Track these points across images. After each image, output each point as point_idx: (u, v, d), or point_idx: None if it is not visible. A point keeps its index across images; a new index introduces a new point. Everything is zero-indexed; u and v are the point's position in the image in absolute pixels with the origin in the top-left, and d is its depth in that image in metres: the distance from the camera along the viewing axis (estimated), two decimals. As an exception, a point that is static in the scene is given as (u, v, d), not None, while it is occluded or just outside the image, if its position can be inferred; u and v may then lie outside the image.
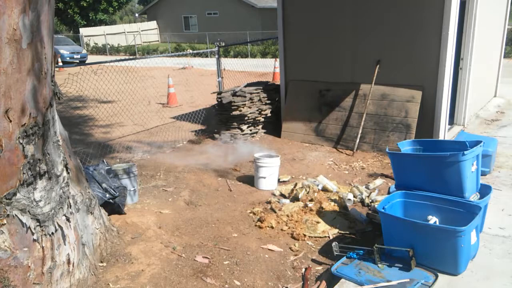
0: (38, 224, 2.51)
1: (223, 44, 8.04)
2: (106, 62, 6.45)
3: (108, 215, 3.81)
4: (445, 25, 5.52)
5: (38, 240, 2.54)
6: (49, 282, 2.65)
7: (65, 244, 2.73)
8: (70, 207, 2.81)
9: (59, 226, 2.65)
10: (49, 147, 2.50)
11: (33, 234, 2.50)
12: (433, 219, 3.27)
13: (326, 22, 6.62)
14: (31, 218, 2.46)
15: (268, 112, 7.42)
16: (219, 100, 7.16)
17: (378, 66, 6.19)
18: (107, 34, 32.14)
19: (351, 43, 6.43)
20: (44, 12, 2.23)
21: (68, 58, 23.03)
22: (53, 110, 2.55)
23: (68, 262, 2.77)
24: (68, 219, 2.75)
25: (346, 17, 6.39)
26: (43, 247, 2.57)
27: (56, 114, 2.63)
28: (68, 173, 2.81)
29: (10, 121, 2.16)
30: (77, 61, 23.14)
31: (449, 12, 5.43)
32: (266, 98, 7.42)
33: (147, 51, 28.76)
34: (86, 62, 21.46)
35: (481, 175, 4.68)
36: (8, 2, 1.97)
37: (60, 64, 20.20)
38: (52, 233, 2.61)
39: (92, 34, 33.00)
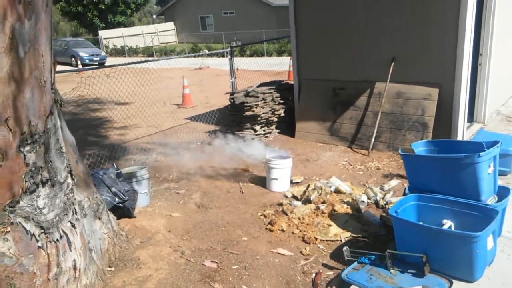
0: (42, 231, 2.51)
1: (240, 44, 8.03)
2: (118, 65, 6.50)
3: (118, 219, 3.81)
4: (462, 19, 5.33)
5: (43, 247, 2.54)
6: (55, 288, 2.65)
7: (70, 250, 2.73)
8: (76, 213, 2.81)
9: (64, 232, 2.65)
10: (52, 155, 2.51)
11: (37, 241, 2.50)
12: (448, 223, 3.14)
13: (338, 19, 6.49)
14: (35, 225, 2.46)
15: (281, 112, 7.35)
16: (232, 100, 7.13)
17: (393, 63, 6.04)
18: (125, 36, 32.57)
19: (365, 41, 6.29)
20: (41, 20, 2.22)
21: (87, 61, 23.44)
22: (54, 117, 2.55)
23: (75, 268, 2.77)
24: (73, 225, 2.75)
25: (359, 14, 6.25)
26: (48, 254, 2.58)
27: (58, 121, 2.63)
28: (73, 179, 2.81)
29: (10, 129, 2.16)
30: (97, 63, 23.54)
31: (466, 5, 5.24)
32: (279, 98, 7.34)
33: (165, 52, 29.01)
34: (105, 64, 21.79)
35: (501, 175, 4.54)
36: (3, 11, 1.97)
37: (80, 67, 20.57)
38: (57, 239, 2.61)
39: (111, 36, 33.51)
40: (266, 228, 4.03)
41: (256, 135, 6.95)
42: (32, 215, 2.45)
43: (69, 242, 2.71)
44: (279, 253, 3.60)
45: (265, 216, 4.29)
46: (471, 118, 6.70)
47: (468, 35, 5.39)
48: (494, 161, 3.20)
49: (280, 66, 15.33)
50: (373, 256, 3.20)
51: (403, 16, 5.85)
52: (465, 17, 5.29)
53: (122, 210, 3.87)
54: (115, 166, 4.14)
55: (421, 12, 5.68)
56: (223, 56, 21.43)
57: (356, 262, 3.22)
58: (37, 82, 2.27)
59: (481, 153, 3.00)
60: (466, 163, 3.07)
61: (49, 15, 2.38)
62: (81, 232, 2.87)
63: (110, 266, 3.26)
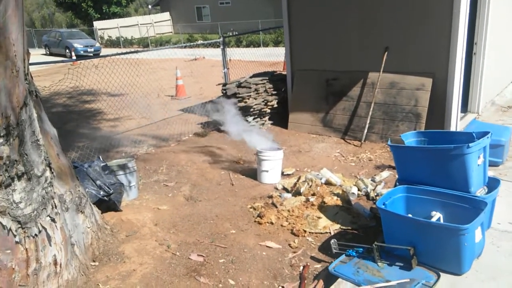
0: (19, 226, 2.45)
1: (236, 33, 7.92)
2: (107, 56, 6.40)
3: (104, 213, 3.76)
4: (456, 8, 5.24)
5: (20, 242, 2.48)
6: (35, 283, 2.60)
7: (50, 245, 2.67)
8: (56, 207, 2.74)
9: (43, 227, 2.59)
10: (27, 147, 2.43)
11: (15, 236, 2.44)
12: (436, 215, 3.10)
13: (332, 9, 6.38)
14: (12, 220, 2.40)
15: (274, 103, 7.27)
16: (224, 92, 7.04)
17: (386, 53, 5.95)
18: (120, 26, 32.27)
19: (358, 30, 6.19)
20: (11, 7, 2.13)
21: (82, 52, 23.25)
22: (29, 109, 2.47)
23: (55, 263, 2.71)
24: (53, 220, 2.69)
25: (353, 3, 6.14)
26: (26, 249, 2.52)
27: (34, 113, 2.55)
28: (52, 172, 2.74)
29: (-20, 122, 2.09)
30: (91, 54, 23.33)
31: (460, -6, 5.15)
32: (272, 89, 7.26)
33: (160, 42, 28.75)
34: (100, 55, 21.55)
35: (493, 166, 4.49)
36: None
37: (74, 58, 20.38)
38: (36, 234, 2.55)
39: (106, 27, 33.19)
40: (255, 221, 3.98)
41: (249, 126, 6.87)
42: (8, 209, 2.38)
43: (48, 237, 2.65)
44: (267, 246, 3.55)
45: (254, 209, 4.24)
46: (465, 108, 6.64)
47: (462, 24, 5.30)
48: (484, 152, 3.14)
49: (276, 56, 15.19)
50: (361, 249, 3.15)
51: (396, 5, 5.75)
52: (459, 6, 5.19)
53: (108, 204, 3.81)
54: (101, 159, 4.06)
55: (415, 1, 5.58)
56: (218, 46, 21.26)
57: (344, 255, 3.18)
58: (8, 72, 2.18)
59: (470, 144, 2.94)
60: (455, 154, 3.01)
61: (20, 2, 2.29)
62: (62, 227, 2.81)
63: (94, 261, 3.20)
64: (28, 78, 2.52)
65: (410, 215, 3.13)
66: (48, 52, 26.57)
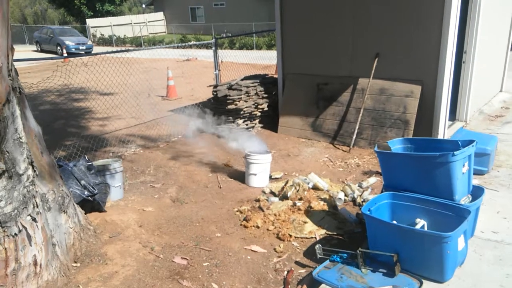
0: (-1, 225, 2.40)
1: (229, 35, 7.92)
2: (98, 54, 6.36)
3: (88, 213, 3.71)
4: (446, 16, 5.29)
5: (0, 242, 2.44)
6: (13, 284, 2.55)
7: (31, 245, 2.62)
8: (37, 207, 2.70)
9: (23, 226, 2.55)
10: (9, 145, 2.39)
11: (-7, 235, 2.39)
12: (421, 223, 3.11)
13: (324, 14, 6.41)
14: (-9, 219, 2.36)
15: (265, 106, 7.27)
16: (215, 93, 7.02)
17: (376, 59, 5.99)
18: (113, 25, 32.06)
19: (349, 36, 6.22)
20: (-7, 2, 2.10)
21: (73, 50, 23.07)
22: (12, 105, 2.43)
23: (35, 263, 2.67)
24: (34, 219, 2.65)
25: (345, 9, 6.17)
26: (5, 249, 2.47)
27: (17, 110, 2.51)
28: (34, 171, 2.70)
29: (-40, 118, 2.05)
30: (83, 52, 23.13)
31: (451, 2, 5.20)
32: (263, 92, 7.26)
33: (153, 42, 28.63)
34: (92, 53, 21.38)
35: (478, 174, 4.53)
36: None
37: (65, 55, 20.25)
38: (16, 234, 2.51)
39: (98, 25, 32.95)
40: (241, 225, 3.97)
41: (239, 129, 6.85)
42: (-13, 208, 2.34)
43: (29, 237, 2.60)
44: (252, 250, 3.54)
45: (241, 212, 4.22)
46: (453, 116, 6.69)
47: (452, 32, 5.35)
48: (469, 160, 3.16)
49: (268, 59, 15.21)
50: (345, 255, 3.15)
51: (388, 12, 5.79)
52: (449, 14, 5.25)
53: (92, 204, 3.76)
54: (86, 158, 4.02)
55: (406, 8, 5.63)
56: (211, 48, 21.23)
57: (328, 260, 3.17)
58: (-10, 68, 2.15)
59: (455, 152, 2.96)
60: (440, 162, 3.03)
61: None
62: (43, 226, 2.76)
63: (75, 262, 3.16)
64: (12, 74, 2.48)
65: (394, 222, 3.14)
66: (39, 49, 26.31)
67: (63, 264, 2.98)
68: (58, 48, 23.63)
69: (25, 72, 14.47)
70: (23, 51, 24.22)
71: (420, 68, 5.67)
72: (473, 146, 3.15)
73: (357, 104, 6.23)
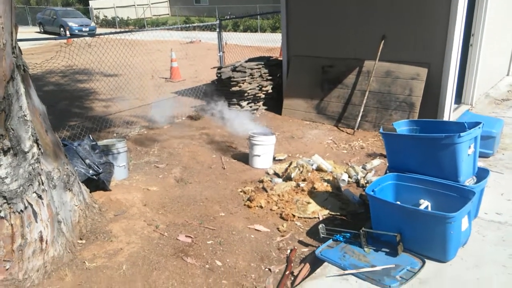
0: (5, 201, 2.43)
1: (233, 17, 7.82)
2: (102, 34, 6.31)
3: (93, 192, 3.74)
4: (454, -2, 5.20)
5: (6, 218, 2.47)
6: (20, 259, 2.59)
7: (36, 222, 2.65)
8: (43, 184, 2.71)
9: (29, 203, 2.57)
10: (14, 122, 2.39)
11: (0, 211, 2.42)
12: (425, 204, 3.11)
13: (330, -6, 6.32)
14: (-3, 195, 2.37)
15: (269, 88, 7.23)
16: (219, 75, 6.98)
17: (383, 41, 5.91)
18: (116, 7, 31.75)
19: (355, 17, 6.13)
20: (-3, -23, 2.08)
21: (76, 31, 22.93)
22: (16, 83, 2.42)
23: (41, 239, 2.70)
24: (39, 196, 2.67)
25: (351, -11, 6.08)
26: (12, 225, 2.50)
27: (21, 87, 2.50)
28: (39, 149, 2.71)
29: (-35, 94, 2.05)
30: (86, 34, 22.97)
31: (459, -17, 5.10)
32: (267, 74, 7.21)
33: (156, 24, 28.38)
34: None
35: (483, 157, 4.51)
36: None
37: (68, 35, 20.18)
38: (22, 210, 2.53)
39: (101, 7, 32.65)
40: (245, 205, 3.99)
41: (243, 111, 6.83)
42: (-7, 184, 2.35)
43: (34, 213, 2.63)
44: (255, 229, 3.56)
45: (244, 193, 4.24)
46: (459, 99, 6.64)
47: (460, 15, 5.26)
48: (475, 142, 3.14)
49: (273, 42, 15.05)
50: (348, 234, 3.17)
51: (395, -7, 5.69)
52: (457, -5, 5.15)
53: (97, 183, 3.78)
54: (91, 138, 4.02)
55: (413, -11, 5.53)
56: (215, 30, 21.02)
57: (331, 239, 3.19)
58: (-6, 44, 2.14)
59: (461, 134, 2.94)
60: (446, 143, 3.01)
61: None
62: (49, 204, 2.78)
63: (81, 239, 3.19)
64: (16, 52, 2.46)
65: (398, 203, 3.14)
66: (42, 30, 26.15)
67: (69, 240, 3.02)
68: (61, 29, 23.50)
69: (29, 53, 14.43)
70: (26, 32, 24.08)
71: (427, 51, 5.60)
72: (479, 128, 3.13)
73: (362, 86, 6.18)
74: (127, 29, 27.90)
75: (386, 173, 4.27)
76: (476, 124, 3.18)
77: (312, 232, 3.50)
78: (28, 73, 2.87)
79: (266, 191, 4.22)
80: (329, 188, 4.19)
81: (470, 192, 2.92)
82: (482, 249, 2.96)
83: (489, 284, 2.59)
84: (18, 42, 2.76)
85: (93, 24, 25.94)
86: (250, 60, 7.46)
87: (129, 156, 4.89)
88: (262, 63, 7.22)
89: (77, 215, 3.19)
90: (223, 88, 6.98)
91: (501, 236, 3.10)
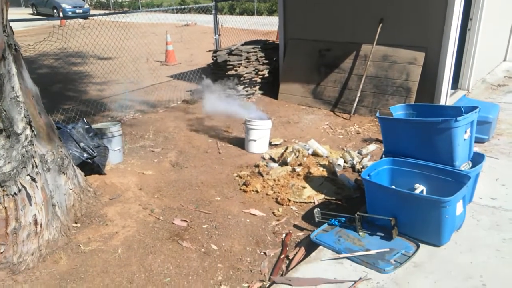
0: (-2, 184, 2.40)
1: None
2: (95, 15, 6.20)
3: (87, 175, 3.71)
4: (454, -19, 5.13)
5: (0, 200, 2.44)
6: (14, 242, 2.58)
7: (31, 205, 2.63)
8: (36, 167, 2.69)
9: (23, 186, 2.54)
10: (6, 103, 2.35)
11: (-7, 194, 2.39)
12: (420, 188, 3.12)
13: (327, -24, 6.22)
14: (-10, 178, 2.35)
15: (265, 72, 7.17)
16: (215, 58, 6.90)
17: (380, 25, 5.85)
18: (111, -12, 31.14)
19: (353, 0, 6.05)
20: (-15, -48, 2.01)
21: (70, 13, 22.53)
22: (8, 63, 2.37)
23: (35, 222, 2.68)
24: (33, 179, 2.64)
25: (349, -29, 5.98)
26: (5, 208, 2.48)
27: (13, 68, 2.45)
28: (33, 131, 2.67)
29: (-46, 74, 2.00)
30: (79, 15, 22.61)
31: (459, -34, 5.03)
32: (263, 58, 7.14)
33: (151, 5, 27.94)
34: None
35: (479, 142, 4.52)
36: None
37: (61, 16, 19.89)
38: (15, 193, 2.51)
39: (95, -12, 32.02)
40: (240, 189, 3.98)
41: (239, 95, 6.78)
42: (-14, 167, 2.32)
43: (28, 196, 2.61)
44: (251, 214, 3.56)
45: (240, 177, 4.23)
46: (455, 85, 6.62)
47: (458, -2, 5.21)
48: (471, 127, 3.13)
49: (269, 26, 14.91)
50: (343, 218, 3.18)
51: (393, -25, 5.61)
52: (456, -21, 5.09)
53: (92, 166, 3.76)
54: (85, 121, 3.98)
55: (412, -28, 5.45)
56: (210, 12, 20.72)
57: (326, 224, 3.20)
58: (-17, 23, 2.08)
59: (458, 118, 2.93)
60: (442, 127, 3.00)
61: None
62: (43, 187, 2.76)
63: (76, 222, 3.18)
64: (7, 30, 2.41)
65: (393, 187, 3.14)
66: (35, 12, 25.70)
67: (64, 224, 3.01)
68: (55, 11, 23.11)
69: (21, 35, 14.20)
70: (19, 13, 23.67)
71: (424, 35, 5.55)
72: (476, 112, 3.12)
73: (359, 71, 6.14)
74: (121, 11, 27.47)
75: (381, 158, 4.28)
76: (473, 108, 3.17)
77: (308, 217, 3.51)
78: (20, 53, 2.81)
79: (262, 176, 4.21)
80: (325, 173, 4.19)
81: (465, 177, 2.93)
82: (476, 233, 2.98)
83: (482, 267, 2.61)
84: (10, 23, 2.70)
85: (87, 5, 25.52)
86: (246, 43, 7.37)
87: (124, 140, 4.86)
88: (259, 46, 7.14)
89: (71, 198, 3.18)
90: (219, 72, 6.91)
91: (495, 220, 3.12)
